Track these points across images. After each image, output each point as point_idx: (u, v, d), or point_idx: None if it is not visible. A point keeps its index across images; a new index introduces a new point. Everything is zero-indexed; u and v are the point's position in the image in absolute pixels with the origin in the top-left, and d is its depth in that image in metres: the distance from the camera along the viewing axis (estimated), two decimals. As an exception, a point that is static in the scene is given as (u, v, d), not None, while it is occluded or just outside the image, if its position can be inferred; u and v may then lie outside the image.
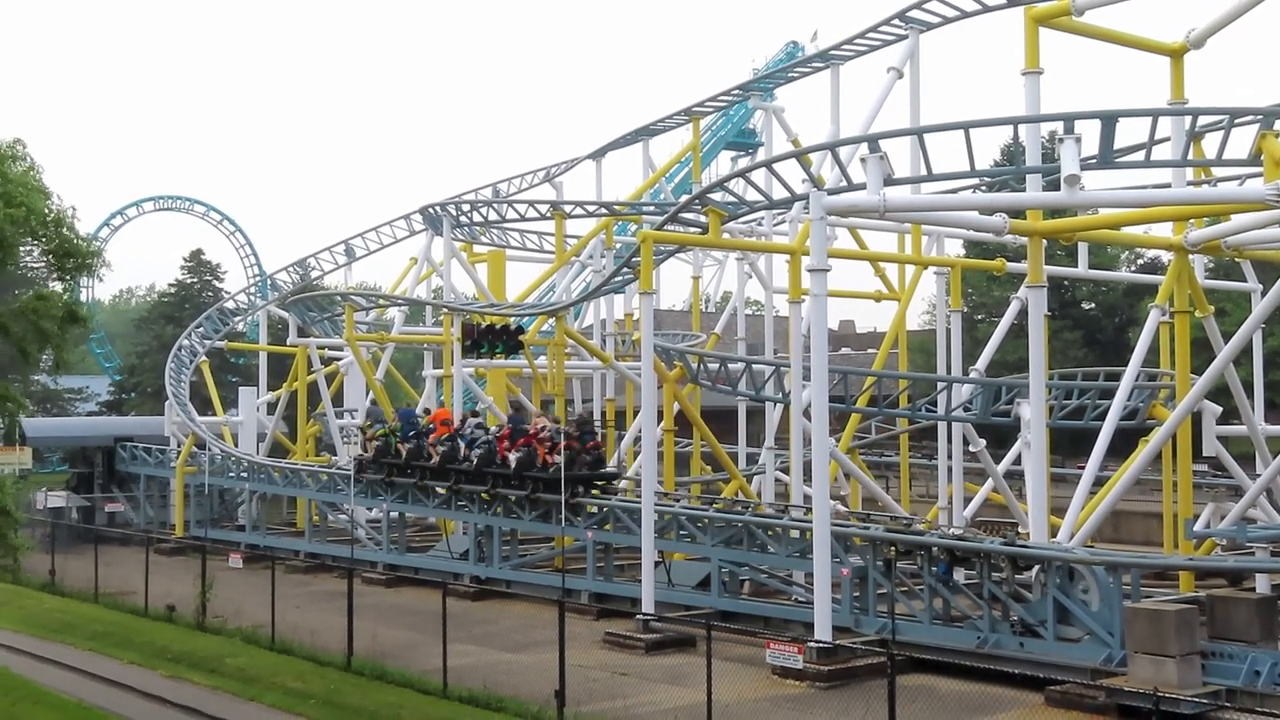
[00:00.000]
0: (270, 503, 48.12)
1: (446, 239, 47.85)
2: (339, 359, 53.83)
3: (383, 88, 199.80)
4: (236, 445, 50.82)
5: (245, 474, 46.83)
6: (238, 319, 62.86)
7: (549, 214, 47.54)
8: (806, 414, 30.24)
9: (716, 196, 30.72)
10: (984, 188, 38.74)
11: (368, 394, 49.30)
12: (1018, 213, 27.61)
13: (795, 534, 28.30)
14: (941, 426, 37.46)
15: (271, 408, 53.69)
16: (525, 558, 36.40)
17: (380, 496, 39.29)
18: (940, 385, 35.49)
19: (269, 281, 64.52)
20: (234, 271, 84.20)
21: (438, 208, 48.25)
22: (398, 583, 37.31)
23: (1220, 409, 32.40)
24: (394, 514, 39.86)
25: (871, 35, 38.36)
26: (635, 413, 43.89)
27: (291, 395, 51.24)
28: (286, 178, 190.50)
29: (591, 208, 48.14)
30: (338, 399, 51.83)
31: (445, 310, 45.43)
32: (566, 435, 33.42)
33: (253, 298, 65.62)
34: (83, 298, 66.10)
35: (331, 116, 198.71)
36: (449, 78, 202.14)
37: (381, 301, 55.19)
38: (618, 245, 48.95)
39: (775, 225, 44.74)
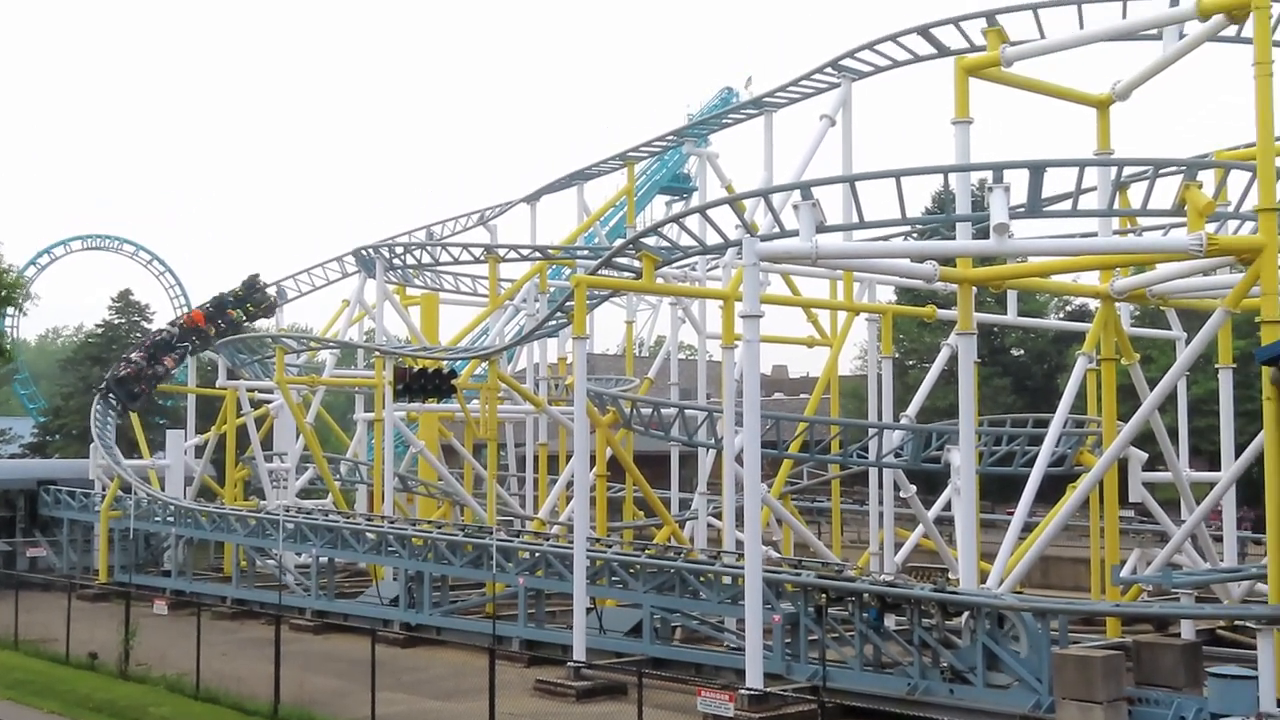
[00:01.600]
0: (197, 548, 47.37)
1: (380, 281, 47.60)
2: (269, 402, 53.23)
3: (316, 128, 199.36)
4: (163, 489, 50.05)
5: (172, 518, 46.11)
6: (166, 360, 61.92)
7: (483, 257, 47.45)
8: (739, 459, 30.27)
9: (650, 241, 30.80)
10: (915, 235, 39.13)
11: (298, 438, 48.80)
12: (948, 260, 27.89)
13: (727, 580, 28.24)
14: (873, 472, 37.62)
15: (199, 451, 52.99)
16: (456, 604, 36.06)
17: (310, 542, 38.85)
18: (872, 431, 35.68)
19: (199, 323, 63.69)
20: (163, 312, 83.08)
21: (371, 250, 48.03)
22: (326, 629, 36.83)
23: (1146, 455, 32.76)
24: (323, 559, 39.40)
25: (805, 83, 38.73)
26: (568, 458, 43.73)
27: (220, 438, 50.61)
28: (218, 218, 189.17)
29: (526, 251, 48.12)
30: (267, 442, 51.23)
31: (377, 353, 45.14)
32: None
33: (182, 339, 64.71)
34: (7, 334, 65.17)
35: (263, 157, 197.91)
36: (382, 118, 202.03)
37: (313, 344, 54.73)
38: (551, 289, 48.94)
39: (709, 270, 44.94)
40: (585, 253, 48.80)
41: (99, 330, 79.72)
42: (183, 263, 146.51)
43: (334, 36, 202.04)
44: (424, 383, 38.07)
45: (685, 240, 31.99)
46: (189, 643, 29.30)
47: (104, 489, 49.60)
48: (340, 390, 61.49)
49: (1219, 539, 34.02)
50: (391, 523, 38.88)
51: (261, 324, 61.37)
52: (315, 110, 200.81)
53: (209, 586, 44.67)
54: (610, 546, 33.18)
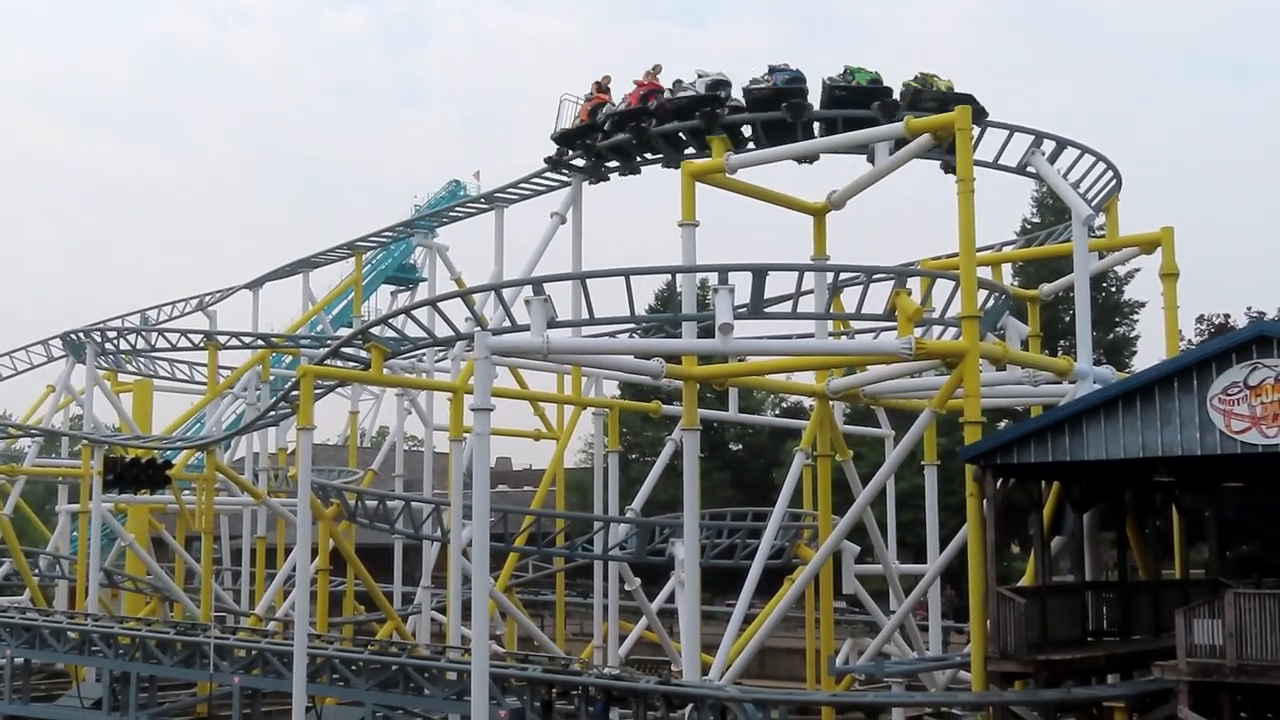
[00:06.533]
0: None
1: (90, 367, 45.64)
2: (-39, 491, 50.14)
3: (20, 200, 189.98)
4: None
5: None
6: None
7: (202, 344, 46.10)
8: (466, 553, 30.08)
9: (378, 332, 30.55)
10: (640, 332, 39.89)
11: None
12: (675, 357, 28.57)
13: (452, 676, 27.92)
14: (598, 565, 37.92)
15: (-124, 545, 49.32)
16: (165, 706, 34.47)
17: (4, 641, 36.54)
18: (598, 524, 36.03)
19: (-117, 408, 59.78)
20: None
21: (81, 334, 46.07)
22: (20, 736, 34.68)
23: (859, 548, 34.10)
24: (18, 660, 37.02)
25: (536, 181, 39.10)
26: (287, 551, 42.54)
27: (-97, 531, 47.26)
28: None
29: (248, 339, 46.99)
30: (-43, 535, 48.11)
31: (85, 442, 43.18)
32: None
33: None
34: None
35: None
36: (94, 194, 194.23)
37: (13, 430, 51.96)
38: (274, 378, 47.84)
39: (436, 361, 44.73)
40: (309, 341, 47.97)
41: None
42: None
43: (45, 102, 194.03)
44: (136, 473, 36.75)
45: (415, 331, 31.74)
46: None
47: None
48: (42, 480, 58.38)
49: (925, 628, 35.61)
50: (95, 620, 36.98)
51: None
52: (18, 183, 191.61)
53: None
54: (331, 643, 32.38)
